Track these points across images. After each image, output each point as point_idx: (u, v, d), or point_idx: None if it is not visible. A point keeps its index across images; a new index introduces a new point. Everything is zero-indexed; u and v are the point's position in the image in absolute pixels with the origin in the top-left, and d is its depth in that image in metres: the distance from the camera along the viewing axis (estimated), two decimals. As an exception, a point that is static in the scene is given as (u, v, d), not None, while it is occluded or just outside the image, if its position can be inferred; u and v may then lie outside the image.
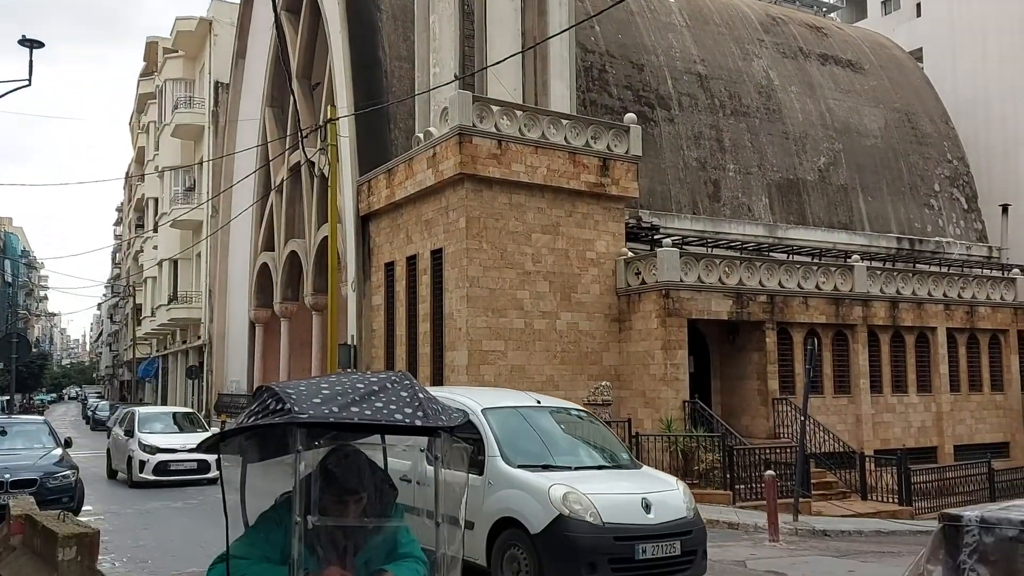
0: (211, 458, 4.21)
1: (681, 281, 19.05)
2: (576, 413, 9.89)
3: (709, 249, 22.62)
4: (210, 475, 16.91)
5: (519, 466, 8.12)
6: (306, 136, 24.34)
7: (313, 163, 26.71)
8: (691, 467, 16.88)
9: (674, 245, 20.27)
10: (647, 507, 7.80)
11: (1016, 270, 26.27)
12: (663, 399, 18.60)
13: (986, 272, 26.79)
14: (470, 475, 7.97)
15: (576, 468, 8.38)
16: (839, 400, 21.31)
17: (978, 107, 32.36)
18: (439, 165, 19.03)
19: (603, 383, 18.07)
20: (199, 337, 40.31)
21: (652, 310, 19.07)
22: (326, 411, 3.38)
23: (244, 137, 33.88)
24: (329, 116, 20.20)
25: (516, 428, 8.71)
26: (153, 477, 17.67)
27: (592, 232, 19.89)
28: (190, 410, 24.71)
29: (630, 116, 21.07)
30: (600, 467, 8.67)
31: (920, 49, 35.14)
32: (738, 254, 22.36)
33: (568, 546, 7.41)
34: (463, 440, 8.17)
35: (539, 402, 9.59)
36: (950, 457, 22.33)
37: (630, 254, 20.23)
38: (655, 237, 22.00)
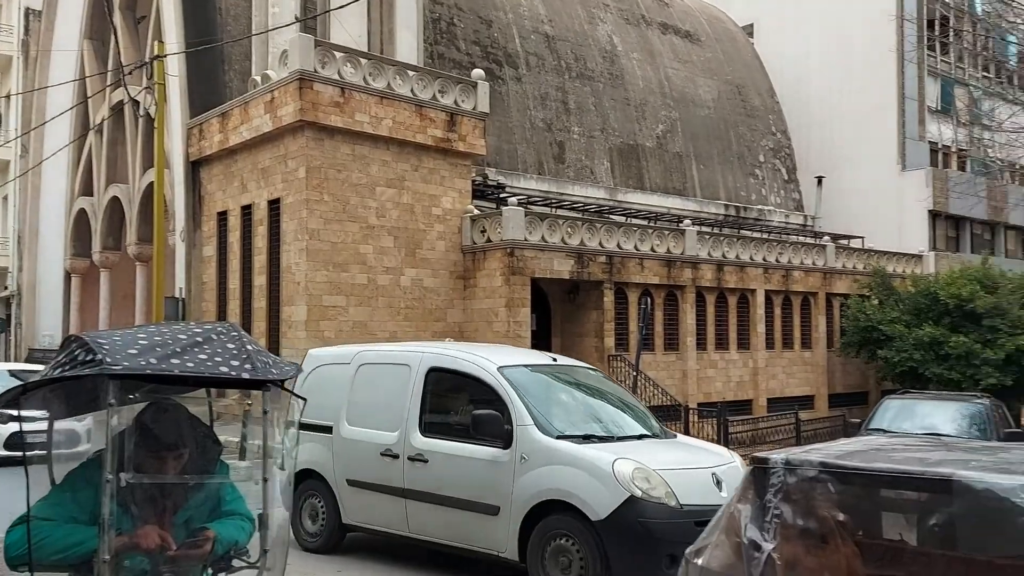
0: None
1: (526, 240, 19.29)
2: (595, 373, 8.44)
3: (553, 209, 23.04)
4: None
5: (559, 437, 6.66)
6: (130, 73, 22.44)
7: (138, 102, 24.73)
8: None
9: (520, 204, 20.46)
10: (719, 484, 6.55)
11: (827, 238, 28.55)
12: (504, 355, 18.86)
13: (801, 239, 28.94)
14: (495, 450, 6.71)
15: (619, 438, 6.98)
16: (668, 356, 22.48)
17: (800, 84, 34.63)
18: (278, 111, 18.13)
19: (447, 339, 18.04)
20: (6, 287, 36.77)
21: (497, 268, 19.22)
22: (143, 363, 3.15)
23: (59, 71, 30.79)
24: (156, 52, 18.71)
25: (541, 391, 7.22)
26: (5, 452, 14.75)
27: (438, 188, 19.70)
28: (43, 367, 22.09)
29: (478, 72, 20.93)
30: (641, 436, 7.23)
31: (751, 25, 37.07)
32: (580, 215, 22.92)
33: (643, 535, 6.05)
34: (470, 405, 7.18)
35: (555, 359, 8.27)
36: (764, 409, 24.18)
37: (476, 212, 20.25)
38: (501, 196, 22.13)
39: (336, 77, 17.98)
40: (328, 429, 7.93)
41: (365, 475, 7.55)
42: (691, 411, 20.77)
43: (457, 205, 19.97)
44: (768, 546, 2.55)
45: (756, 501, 2.68)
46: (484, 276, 19.47)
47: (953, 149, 34.85)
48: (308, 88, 17.52)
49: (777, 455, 2.70)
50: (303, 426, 7.92)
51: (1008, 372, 22.11)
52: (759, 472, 2.70)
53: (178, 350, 3.26)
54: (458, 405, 7.60)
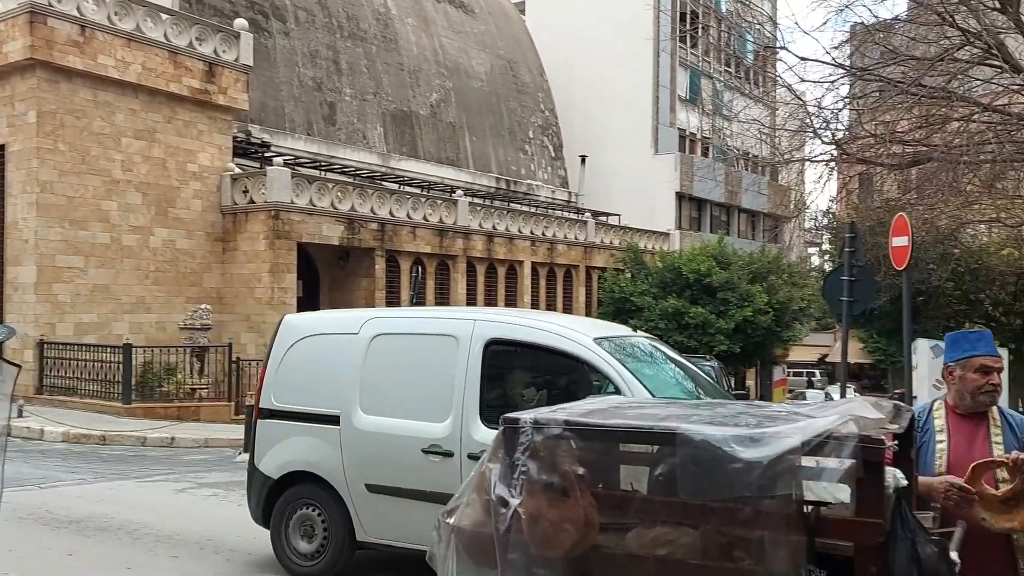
0: None
1: (292, 203, 18.50)
2: (666, 346, 6.78)
3: (323, 172, 22.29)
4: None
5: None
6: None
7: None
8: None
9: (286, 165, 19.57)
10: None
11: (588, 214, 30.18)
12: (269, 324, 18.03)
13: (565, 214, 30.36)
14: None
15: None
16: (438, 325, 22.67)
17: (568, 65, 36.11)
18: (3, 47, 15.94)
19: (203, 306, 16.98)
20: None
21: (260, 231, 18.28)
22: None
23: None
24: None
25: (648, 369, 5.66)
26: None
27: (195, 143, 18.32)
28: None
29: (241, 22, 19.65)
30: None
31: (524, 2, 38.03)
32: (351, 180, 22.38)
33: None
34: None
35: (635, 330, 6.65)
36: (527, 375, 25.21)
37: (237, 170, 19.11)
38: (266, 155, 21.03)
39: (75, 13, 16.10)
40: (331, 419, 6.07)
41: (397, 478, 5.81)
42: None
43: (216, 162, 18.71)
44: (514, 502, 2.65)
45: (506, 460, 2.77)
46: (246, 239, 18.44)
47: (698, 136, 38.16)
48: (41, 23, 15.55)
49: (527, 415, 2.79)
50: (284, 415, 6.28)
51: (736, 340, 24.72)
52: (509, 432, 2.79)
53: None
54: (532, 387, 6.03)
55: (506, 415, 2.92)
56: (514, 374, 6.04)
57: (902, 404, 3.01)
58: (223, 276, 18.69)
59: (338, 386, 6.10)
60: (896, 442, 2.55)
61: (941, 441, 3.18)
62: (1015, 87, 9.94)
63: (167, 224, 17.73)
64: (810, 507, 2.41)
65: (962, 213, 13.64)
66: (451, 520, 3.05)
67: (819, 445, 2.31)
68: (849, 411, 2.53)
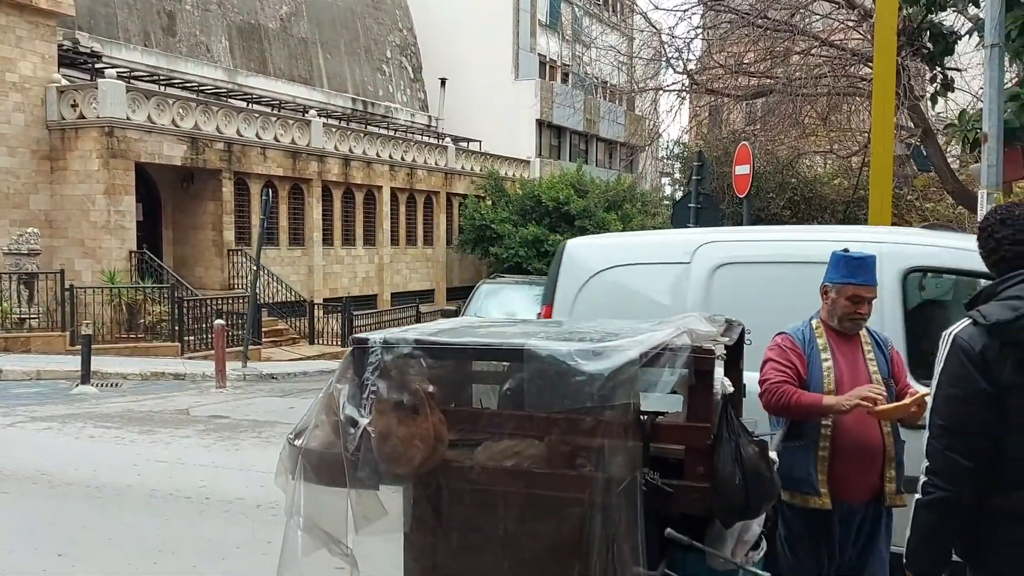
0: None
1: (128, 119, 17.17)
2: None
3: (162, 87, 20.75)
4: None
5: None
6: None
7: None
8: (136, 320, 16.00)
9: (120, 78, 18.08)
10: None
11: (448, 139, 29.82)
12: (106, 249, 16.92)
13: (425, 139, 29.87)
14: None
15: None
16: (294, 252, 22.02)
17: (428, -16, 34.98)
18: None
19: (29, 230, 15.67)
20: None
21: (93, 149, 16.91)
22: None
23: None
24: None
25: None
26: None
27: (14, 50, 16.56)
28: None
29: (65, -86, 17.67)
30: None
31: (382, -84, 36.25)
32: (195, 96, 20.97)
33: None
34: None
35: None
36: (388, 303, 25.05)
37: (64, 82, 17.48)
38: (97, 67, 19.31)
39: None
40: None
41: None
42: (316, 307, 20.81)
43: (40, 72, 17.03)
44: (363, 421, 2.66)
45: (355, 380, 2.79)
46: (77, 158, 17.03)
47: (558, 63, 38.21)
48: None
49: (376, 335, 2.78)
50: None
51: (593, 265, 25.39)
52: (359, 352, 2.79)
53: None
54: None
55: (355, 336, 2.89)
56: (946, 312, 4.42)
57: (734, 320, 3.18)
58: (52, 198, 17.25)
59: None
60: (725, 352, 2.70)
61: (827, 360, 3.32)
62: (850, 23, 10.51)
63: (-16, 140, 16.09)
64: (646, 415, 2.53)
65: (800, 144, 14.46)
66: (299, 442, 3.01)
67: (656, 356, 2.41)
68: (684, 325, 2.65)
